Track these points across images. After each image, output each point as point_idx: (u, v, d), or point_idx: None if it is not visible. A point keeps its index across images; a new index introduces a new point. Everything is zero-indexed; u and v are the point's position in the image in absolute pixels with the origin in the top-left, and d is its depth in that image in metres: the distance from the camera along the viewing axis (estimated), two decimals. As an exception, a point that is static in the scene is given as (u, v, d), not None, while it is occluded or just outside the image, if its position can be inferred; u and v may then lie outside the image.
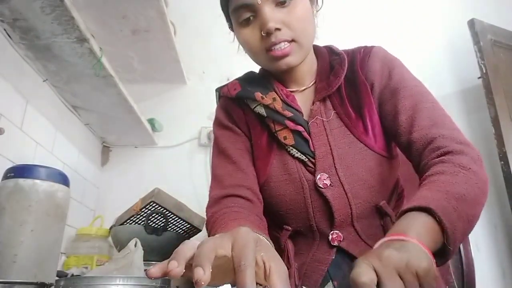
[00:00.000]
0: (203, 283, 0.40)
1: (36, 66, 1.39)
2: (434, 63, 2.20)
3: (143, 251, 1.21)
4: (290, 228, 0.85)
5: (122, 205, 1.67)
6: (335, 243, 0.81)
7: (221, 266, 0.46)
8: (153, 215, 1.51)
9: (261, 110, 0.87)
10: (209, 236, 0.77)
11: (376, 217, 0.83)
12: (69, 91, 1.55)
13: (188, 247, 0.46)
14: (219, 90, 0.97)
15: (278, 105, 0.85)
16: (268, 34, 0.78)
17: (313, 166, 0.83)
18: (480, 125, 2.07)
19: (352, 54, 0.91)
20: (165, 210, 1.52)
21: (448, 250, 0.57)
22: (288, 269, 0.76)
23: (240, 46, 0.89)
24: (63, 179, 0.98)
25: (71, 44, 1.28)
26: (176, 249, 0.47)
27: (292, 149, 0.84)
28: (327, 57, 0.92)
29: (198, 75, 2.21)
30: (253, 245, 0.46)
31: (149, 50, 1.87)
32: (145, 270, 1.18)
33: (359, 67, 0.88)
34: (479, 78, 2.00)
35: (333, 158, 0.82)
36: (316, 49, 0.94)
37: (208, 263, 0.42)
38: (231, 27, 0.91)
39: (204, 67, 2.21)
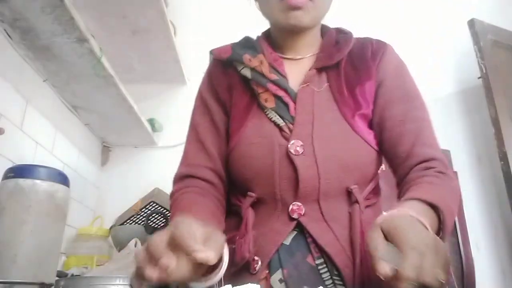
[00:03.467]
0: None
1: (36, 66, 1.39)
2: (434, 63, 2.20)
3: (143, 251, 1.21)
4: (253, 195, 0.81)
5: (122, 205, 1.68)
6: (295, 215, 0.77)
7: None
8: (153, 215, 1.52)
9: (247, 73, 0.85)
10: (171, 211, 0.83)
11: (344, 201, 0.79)
12: (69, 91, 1.55)
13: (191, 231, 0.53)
14: (212, 52, 0.94)
15: (265, 68, 0.83)
16: None
17: (289, 133, 0.79)
18: (480, 125, 2.07)
19: (363, 40, 0.91)
20: (165, 210, 1.53)
21: None
22: (244, 235, 0.77)
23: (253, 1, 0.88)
24: (63, 179, 0.98)
25: (71, 44, 1.28)
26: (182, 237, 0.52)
27: (270, 112, 0.81)
28: (334, 35, 0.91)
29: (198, 75, 2.20)
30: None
31: (149, 50, 1.87)
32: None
33: (371, 55, 0.87)
34: (479, 78, 1.99)
35: (312, 128, 0.79)
36: (323, 27, 0.94)
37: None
38: None
39: (204, 67, 2.20)
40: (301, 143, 0.78)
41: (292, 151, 0.77)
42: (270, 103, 0.82)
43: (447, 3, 2.34)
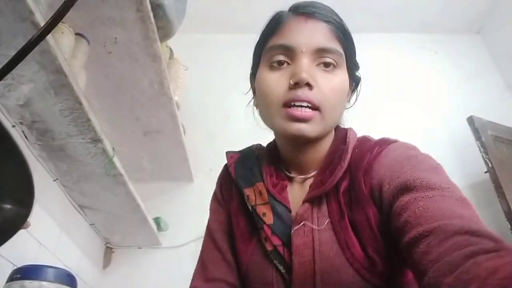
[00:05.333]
0: None
1: (48, 166, 1.41)
2: (439, 160, 2.23)
3: None
4: None
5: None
6: None
7: None
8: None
9: (249, 206, 0.77)
10: None
11: None
12: (78, 191, 1.55)
13: None
14: (226, 156, 0.89)
15: (263, 200, 0.75)
16: (297, 85, 0.68)
17: (289, 282, 0.69)
18: (493, 219, 2.02)
19: (366, 148, 0.73)
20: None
21: None
22: None
23: (254, 111, 0.81)
24: (70, 282, 0.93)
25: (85, 145, 1.30)
26: None
27: (271, 254, 0.71)
28: (337, 148, 0.76)
29: (205, 173, 2.22)
30: None
31: (159, 149, 1.92)
32: None
33: (363, 172, 0.69)
34: (485, 172, 2.00)
35: (314, 283, 0.66)
36: (337, 132, 0.81)
37: None
38: (252, 76, 0.82)
39: (212, 164, 2.23)
40: None
41: None
42: (269, 245, 0.72)
43: (446, 102, 2.46)
